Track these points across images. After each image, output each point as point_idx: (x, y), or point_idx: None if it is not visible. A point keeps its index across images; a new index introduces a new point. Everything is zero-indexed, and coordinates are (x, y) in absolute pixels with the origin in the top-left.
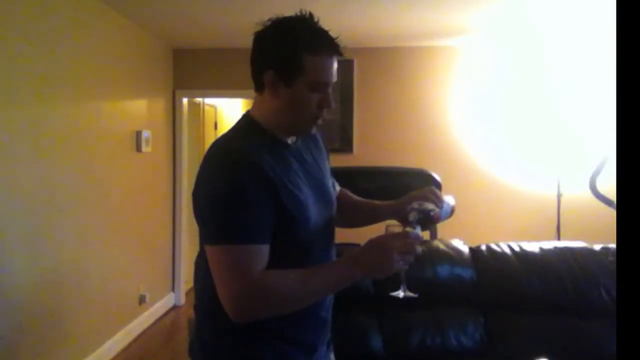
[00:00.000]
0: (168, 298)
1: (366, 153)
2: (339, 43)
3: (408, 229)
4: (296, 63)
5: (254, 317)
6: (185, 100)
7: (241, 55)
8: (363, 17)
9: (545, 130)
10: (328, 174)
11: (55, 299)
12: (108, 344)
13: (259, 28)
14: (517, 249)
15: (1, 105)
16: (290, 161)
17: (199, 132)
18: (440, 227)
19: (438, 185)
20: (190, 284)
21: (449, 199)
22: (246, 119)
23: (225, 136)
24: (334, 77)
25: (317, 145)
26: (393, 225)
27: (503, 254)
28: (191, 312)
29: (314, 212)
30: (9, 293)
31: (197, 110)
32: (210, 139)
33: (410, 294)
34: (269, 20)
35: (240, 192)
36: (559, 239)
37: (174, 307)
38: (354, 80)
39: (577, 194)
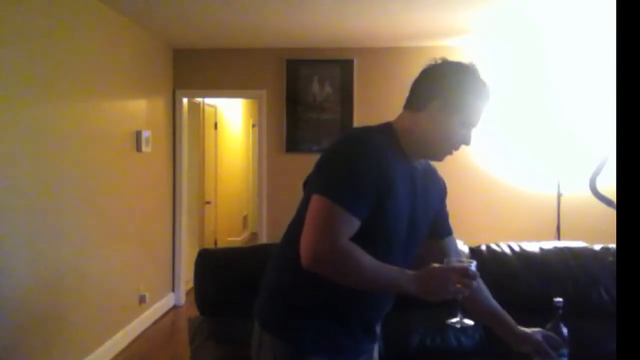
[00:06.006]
0: (168, 298)
1: None
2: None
3: (466, 264)
4: (463, 104)
5: (320, 271)
6: (185, 100)
7: (241, 55)
8: (363, 17)
9: (545, 130)
10: (430, 210)
11: (56, 299)
12: (108, 344)
13: (432, 68)
14: (517, 249)
15: (1, 106)
16: (406, 176)
17: (199, 132)
18: None
19: None
20: (190, 284)
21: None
22: (387, 126)
23: (363, 127)
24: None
25: (433, 186)
26: (453, 260)
27: (503, 254)
28: (191, 312)
29: (399, 227)
30: (10, 293)
31: (197, 110)
32: (210, 138)
33: (467, 323)
34: (439, 58)
35: (361, 167)
36: (559, 239)
37: (174, 307)
38: (354, 80)
39: (577, 194)
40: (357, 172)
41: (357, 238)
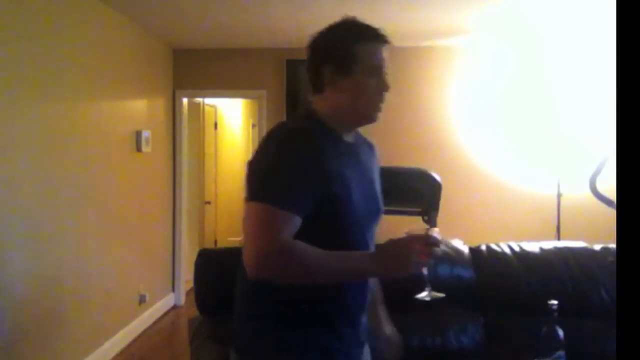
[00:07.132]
0: (168, 298)
1: None
2: (384, 32)
3: (428, 230)
4: (350, 53)
5: (270, 276)
6: (185, 100)
7: (241, 55)
8: (363, 17)
9: (545, 130)
10: (378, 182)
11: (56, 299)
12: (108, 344)
13: (310, 42)
14: (517, 249)
15: (1, 105)
16: (344, 154)
17: (199, 132)
18: (441, 227)
19: (438, 186)
20: (190, 284)
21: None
22: (307, 111)
23: (287, 120)
24: (386, 63)
25: (372, 156)
26: (413, 230)
27: (503, 254)
28: (191, 312)
29: (358, 204)
30: (9, 293)
31: (197, 110)
32: (210, 139)
33: (437, 295)
34: (317, 32)
35: (289, 160)
36: (559, 239)
37: (174, 307)
38: None
39: (577, 194)
40: (287, 167)
41: (324, 233)
